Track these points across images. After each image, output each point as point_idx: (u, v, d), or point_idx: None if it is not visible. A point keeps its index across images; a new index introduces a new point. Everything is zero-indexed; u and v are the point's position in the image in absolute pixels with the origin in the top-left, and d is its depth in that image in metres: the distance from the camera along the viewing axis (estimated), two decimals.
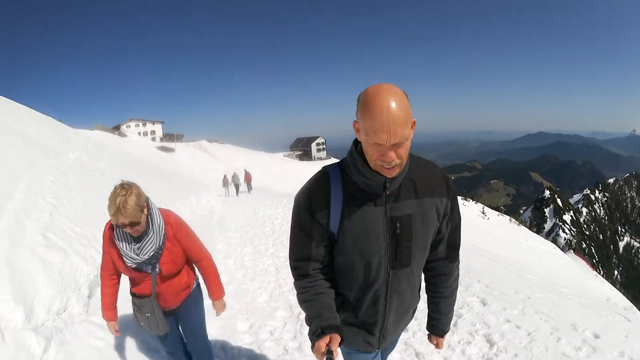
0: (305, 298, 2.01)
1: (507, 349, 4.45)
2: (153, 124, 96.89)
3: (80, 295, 4.48)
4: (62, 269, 4.55)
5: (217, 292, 3.42)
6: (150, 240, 2.94)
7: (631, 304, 19.30)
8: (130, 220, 2.75)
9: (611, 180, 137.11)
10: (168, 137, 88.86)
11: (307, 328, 1.96)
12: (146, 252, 2.94)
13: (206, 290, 3.45)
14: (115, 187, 2.79)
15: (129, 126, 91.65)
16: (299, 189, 2.07)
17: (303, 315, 5.72)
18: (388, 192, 1.90)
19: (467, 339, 4.71)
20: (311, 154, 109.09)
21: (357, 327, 2.14)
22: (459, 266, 2.27)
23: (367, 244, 1.93)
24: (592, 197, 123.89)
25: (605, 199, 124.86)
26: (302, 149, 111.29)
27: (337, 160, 2.09)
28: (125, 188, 2.77)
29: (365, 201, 1.91)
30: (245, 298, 6.16)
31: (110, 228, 3.00)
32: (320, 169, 2.07)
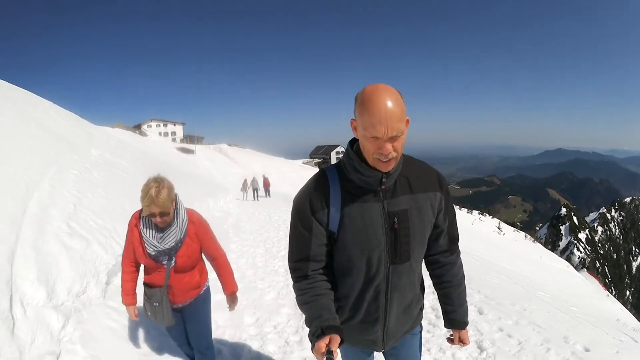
0: (305, 300, 2.04)
1: (496, 356, 4.61)
2: (174, 124, 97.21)
3: (98, 280, 4.78)
4: (84, 256, 4.88)
5: (230, 287, 3.65)
6: (173, 232, 3.20)
7: None
8: (161, 211, 3.03)
9: (628, 200, 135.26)
10: (188, 138, 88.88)
11: (308, 329, 2.00)
12: (167, 242, 3.20)
13: (220, 286, 3.69)
14: (149, 180, 3.07)
15: (150, 126, 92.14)
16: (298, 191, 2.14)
17: (293, 284, 6.11)
18: (384, 188, 1.97)
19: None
20: (330, 162, 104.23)
21: (359, 326, 2.17)
22: (460, 256, 2.32)
23: (367, 239, 1.98)
24: (608, 216, 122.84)
25: (621, 218, 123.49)
26: (322, 156, 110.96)
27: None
28: (158, 181, 3.06)
29: (363, 198, 1.98)
30: (254, 295, 6.48)
31: (137, 217, 3.26)
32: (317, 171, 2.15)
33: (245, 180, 30.66)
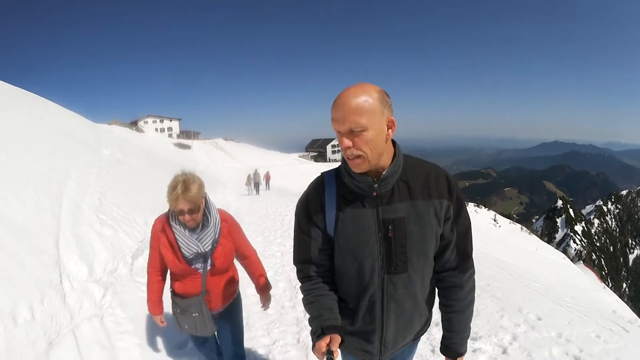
0: (308, 300, 2.04)
1: None
2: (170, 120, 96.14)
3: (125, 261, 5.72)
4: (113, 241, 5.86)
5: (265, 286, 3.47)
6: (210, 232, 2.99)
7: (637, 316, 19.48)
8: (190, 207, 2.79)
9: (624, 192, 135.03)
10: (185, 134, 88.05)
11: (302, 298, 2.11)
12: (205, 244, 2.98)
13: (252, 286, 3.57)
14: (176, 175, 2.86)
15: (146, 122, 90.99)
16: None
17: (299, 284, 6.89)
18: (376, 194, 1.90)
19: None
20: (326, 155, 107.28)
21: (355, 335, 2.11)
22: (473, 277, 2.14)
23: (359, 246, 1.93)
24: (605, 208, 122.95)
25: (618, 210, 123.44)
26: (317, 150, 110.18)
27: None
28: (188, 175, 2.84)
29: (357, 203, 1.93)
30: None
31: (163, 221, 3.02)
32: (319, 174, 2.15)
33: (249, 175, 31.42)
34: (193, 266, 3.01)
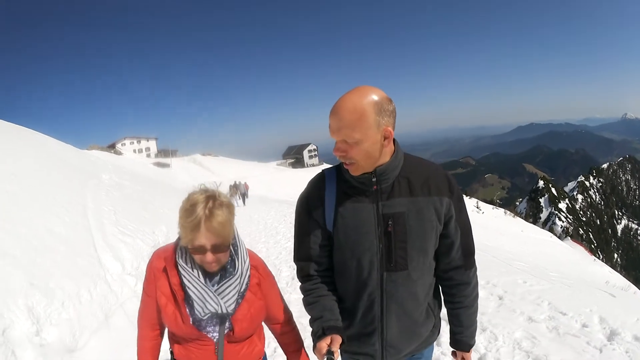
0: (308, 300, 2.00)
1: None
2: (147, 140, 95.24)
3: (145, 261, 7.08)
4: (133, 246, 7.27)
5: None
6: (235, 283, 1.95)
7: (630, 283, 20.26)
8: (217, 242, 1.79)
9: (605, 166, 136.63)
10: (163, 152, 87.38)
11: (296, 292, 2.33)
12: (228, 299, 1.93)
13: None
14: (193, 193, 1.84)
15: (124, 144, 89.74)
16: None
17: (282, 271, 8.15)
18: (375, 188, 1.88)
19: None
20: (304, 161, 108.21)
21: (356, 335, 2.06)
22: (476, 273, 2.13)
23: (358, 240, 1.90)
24: (587, 183, 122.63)
25: (600, 184, 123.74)
26: (295, 156, 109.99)
27: (330, 166, 2.13)
28: (211, 195, 1.83)
29: (357, 198, 1.91)
30: None
31: (167, 258, 1.97)
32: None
33: (230, 187, 31.34)
34: (202, 330, 2.01)
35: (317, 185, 2.01)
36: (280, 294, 2.23)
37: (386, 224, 1.87)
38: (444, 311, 2.19)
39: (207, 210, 1.75)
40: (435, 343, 2.50)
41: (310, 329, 1.92)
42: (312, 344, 1.86)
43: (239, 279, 1.94)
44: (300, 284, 2.09)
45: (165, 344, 2.16)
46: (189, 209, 1.76)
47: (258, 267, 2.10)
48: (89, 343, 4.53)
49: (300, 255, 2.05)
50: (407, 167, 1.92)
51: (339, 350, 1.78)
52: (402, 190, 1.88)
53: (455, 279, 2.05)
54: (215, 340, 2.00)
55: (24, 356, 3.77)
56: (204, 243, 1.76)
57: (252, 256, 2.11)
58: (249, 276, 2.02)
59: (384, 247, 1.88)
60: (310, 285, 2.02)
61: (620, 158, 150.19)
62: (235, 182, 31.69)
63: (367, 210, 1.88)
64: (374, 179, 1.85)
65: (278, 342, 2.36)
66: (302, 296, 2.06)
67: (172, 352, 2.13)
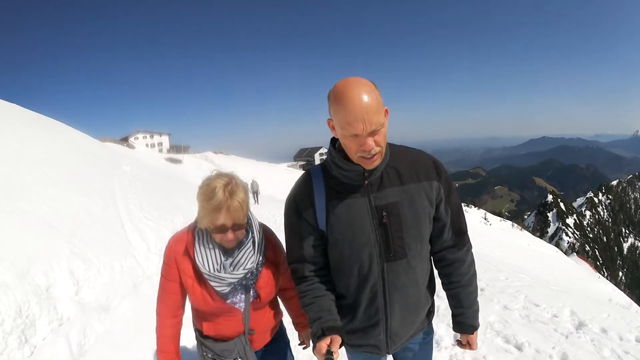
0: (305, 302, 1.99)
1: None
2: (160, 135, 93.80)
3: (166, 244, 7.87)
4: (157, 231, 7.96)
5: (304, 322, 2.66)
6: (248, 251, 2.16)
7: (632, 301, 19.82)
8: (235, 222, 2.03)
9: (614, 183, 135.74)
10: (175, 148, 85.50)
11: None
12: (241, 265, 2.13)
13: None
14: (210, 178, 2.06)
15: (137, 138, 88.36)
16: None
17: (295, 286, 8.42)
18: (367, 182, 1.86)
19: None
20: (314, 163, 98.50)
21: (360, 330, 2.06)
22: (472, 251, 2.11)
23: (354, 235, 1.88)
24: (595, 200, 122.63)
25: (609, 201, 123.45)
26: (306, 159, 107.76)
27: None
28: (229, 178, 2.05)
29: (347, 194, 1.88)
30: None
31: (187, 240, 2.16)
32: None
33: (252, 182, 31.35)
34: (229, 301, 2.21)
35: (304, 185, 1.99)
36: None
37: (380, 215, 1.86)
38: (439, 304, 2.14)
39: (227, 192, 1.96)
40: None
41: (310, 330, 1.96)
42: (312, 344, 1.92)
43: (252, 247, 2.16)
44: (295, 285, 2.09)
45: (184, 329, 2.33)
46: (209, 192, 1.96)
47: (272, 240, 2.36)
48: (120, 305, 5.20)
49: (293, 257, 2.04)
50: (393, 156, 1.92)
51: (338, 351, 1.80)
52: (392, 180, 1.88)
53: (448, 258, 2.05)
54: (242, 309, 2.22)
55: (65, 311, 4.41)
56: (225, 222, 1.98)
57: (264, 228, 2.38)
58: (265, 245, 2.27)
59: (381, 238, 1.88)
60: (305, 287, 2.02)
61: (630, 175, 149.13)
62: (253, 180, 31.67)
63: (360, 204, 1.88)
64: (366, 174, 1.84)
65: (286, 308, 2.64)
66: (299, 298, 2.06)
67: (198, 331, 2.35)
